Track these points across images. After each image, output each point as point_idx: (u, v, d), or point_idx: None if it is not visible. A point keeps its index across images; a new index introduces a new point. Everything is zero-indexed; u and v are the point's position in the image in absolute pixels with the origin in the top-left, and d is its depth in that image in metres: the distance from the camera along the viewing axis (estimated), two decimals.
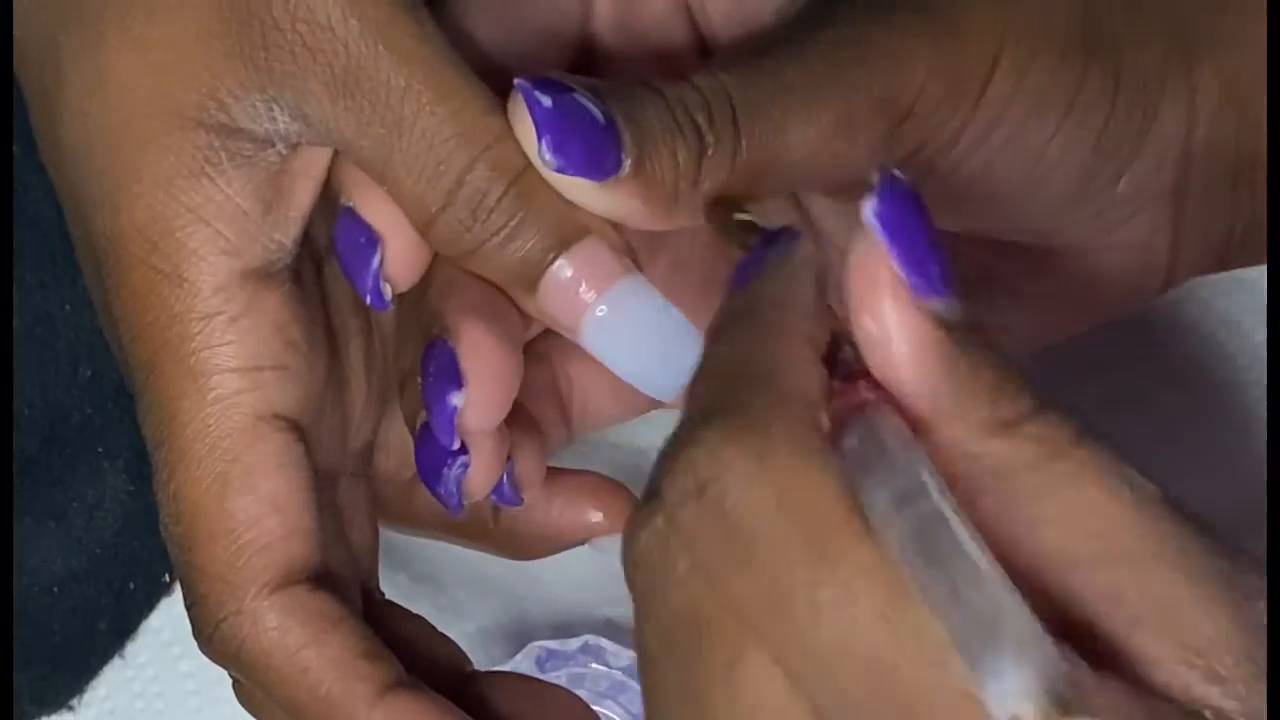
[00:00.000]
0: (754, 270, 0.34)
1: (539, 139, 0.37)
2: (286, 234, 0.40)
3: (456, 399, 0.39)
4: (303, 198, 0.40)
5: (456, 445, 0.39)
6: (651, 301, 0.38)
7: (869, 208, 0.31)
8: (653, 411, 0.47)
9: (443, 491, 0.40)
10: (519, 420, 0.42)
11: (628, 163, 0.37)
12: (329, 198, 0.40)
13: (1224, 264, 0.44)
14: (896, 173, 0.32)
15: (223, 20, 0.38)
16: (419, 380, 0.39)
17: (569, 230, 0.38)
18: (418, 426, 0.40)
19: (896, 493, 0.30)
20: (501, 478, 0.41)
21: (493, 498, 0.41)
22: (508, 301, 0.39)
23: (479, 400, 0.39)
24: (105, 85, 0.39)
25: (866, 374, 0.32)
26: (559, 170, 0.37)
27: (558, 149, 0.37)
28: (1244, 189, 0.42)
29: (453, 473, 0.40)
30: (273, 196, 0.39)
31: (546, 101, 0.37)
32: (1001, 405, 0.31)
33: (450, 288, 0.39)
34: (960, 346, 0.31)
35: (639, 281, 0.38)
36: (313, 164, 0.39)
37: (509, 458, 0.41)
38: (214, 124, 0.38)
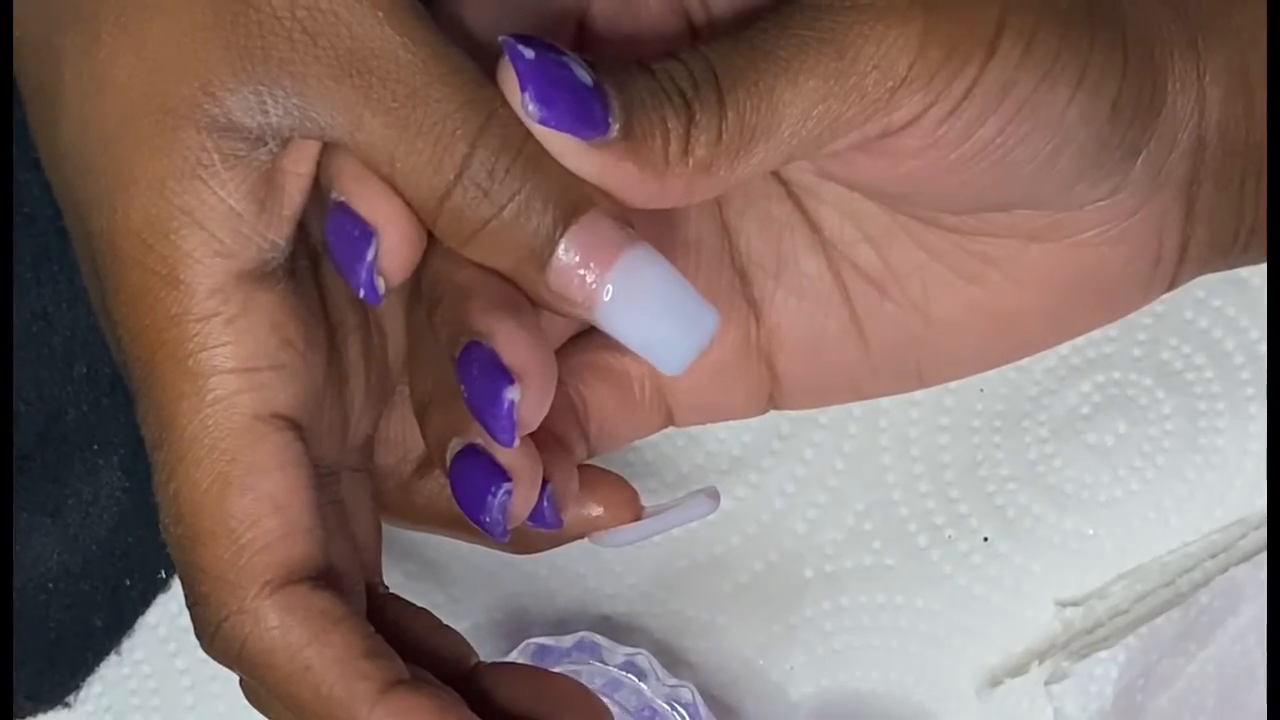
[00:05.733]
0: None
1: (522, 90, 0.38)
2: (280, 233, 0.39)
3: (512, 394, 0.38)
4: (295, 195, 0.40)
5: (516, 444, 0.38)
6: (662, 269, 0.39)
7: None
8: None
9: (488, 520, 0.39)
10: (546, 439, 0.42)
11: (616, 126, 0.38)
12: (322, 193, 0.40)
13: (1226, 266, 0.45)
14: None
15: (218, 13, 0.38)
16: (445, 405, 0.39)
17: (575, 200, 0.38)
18: (451, 456, 0.40)
19: None
20: (541, 502, 0.41)
21: (529, 523, 0.41)
22: (522, 297, 0.39)
23: (529, 394, 0.38)
24: (102, 87, 0.39)
25: None
26: (543, 122, 0.38)
27: (541, 99, 0.38)
28: (1251, 186, 0.43)
29: (498, 500, 0.39)
30: (266, 196, 0.39)
31: (529, 54, 0.38)
32: None
33: (464, 296, 0.39)
34: None
35: (648, 250, 0.39)
36: (303, 160, 0.39)
37: (544, 480, 0.41)
38: (207, 120, 0.38)
